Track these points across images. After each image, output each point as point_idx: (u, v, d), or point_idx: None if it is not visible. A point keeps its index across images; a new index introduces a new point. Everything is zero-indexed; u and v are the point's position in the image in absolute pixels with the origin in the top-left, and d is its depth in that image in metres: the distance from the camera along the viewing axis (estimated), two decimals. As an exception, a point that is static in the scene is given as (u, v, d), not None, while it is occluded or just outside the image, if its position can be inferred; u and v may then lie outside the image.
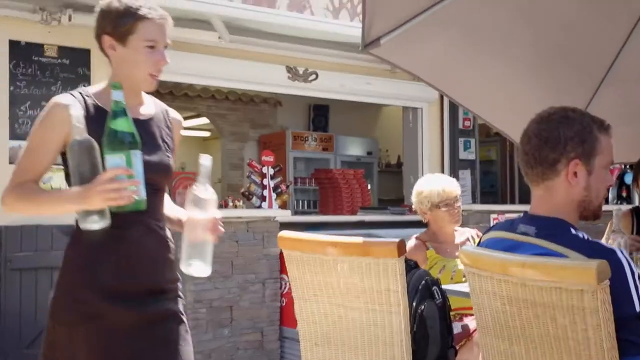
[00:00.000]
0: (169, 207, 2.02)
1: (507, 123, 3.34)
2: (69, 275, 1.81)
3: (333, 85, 6.04)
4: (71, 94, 1.83)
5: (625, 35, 3.00)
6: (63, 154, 1.80)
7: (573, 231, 1.68)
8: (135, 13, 1.81)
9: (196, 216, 1.81)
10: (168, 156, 1.93)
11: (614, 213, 2.66)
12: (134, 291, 1.82)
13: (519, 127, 1.81)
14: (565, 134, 1.70)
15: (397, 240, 1.93)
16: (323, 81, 5.93)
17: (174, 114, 2.04)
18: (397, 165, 8.84)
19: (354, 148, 8.63)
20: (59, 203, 1.76)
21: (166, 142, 1.94)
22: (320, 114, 9.26)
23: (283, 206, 5.20)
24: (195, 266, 1.82)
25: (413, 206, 3.34)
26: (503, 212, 6.10)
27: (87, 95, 1.85)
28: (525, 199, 7.00)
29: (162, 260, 1.89)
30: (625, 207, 4.01)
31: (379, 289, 1.98)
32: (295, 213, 6.49)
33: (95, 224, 1.69)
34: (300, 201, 7.59)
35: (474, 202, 6.68)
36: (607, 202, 6.53)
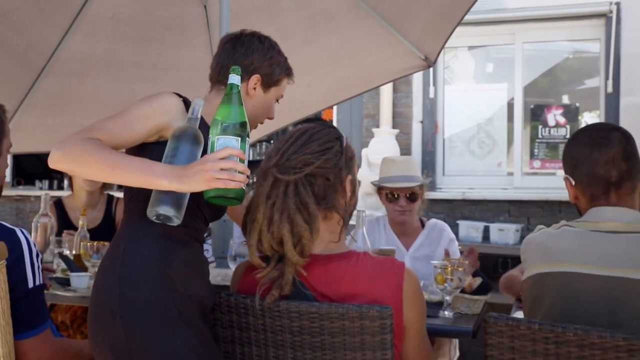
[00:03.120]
0: None
1: None
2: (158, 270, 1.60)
3: None
4: (176, 94, 1.70)
5: (63, 32, 3.24)
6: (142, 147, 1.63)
7: None
8: (288, 68, 1.89)
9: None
10: None
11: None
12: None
13: None
14: None
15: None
16: None
17: None
18: None
19: None
20: (144, 172, 1.46)
21: None
22: None
23: None
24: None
25: None
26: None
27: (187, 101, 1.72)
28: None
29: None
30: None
31: None
32: None
33: (168, 214, 1.46)
34: None
35: None
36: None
